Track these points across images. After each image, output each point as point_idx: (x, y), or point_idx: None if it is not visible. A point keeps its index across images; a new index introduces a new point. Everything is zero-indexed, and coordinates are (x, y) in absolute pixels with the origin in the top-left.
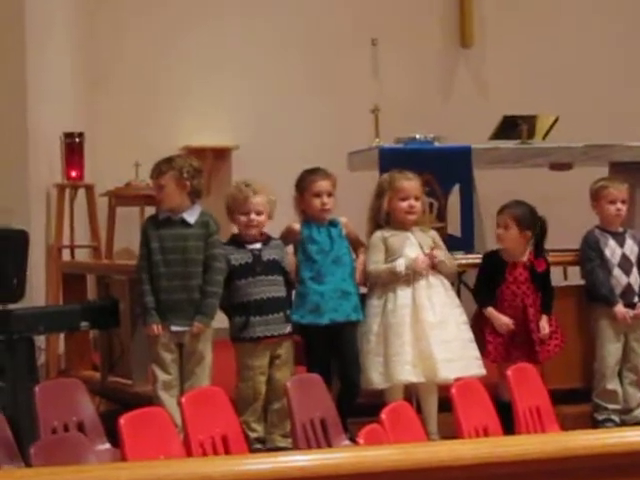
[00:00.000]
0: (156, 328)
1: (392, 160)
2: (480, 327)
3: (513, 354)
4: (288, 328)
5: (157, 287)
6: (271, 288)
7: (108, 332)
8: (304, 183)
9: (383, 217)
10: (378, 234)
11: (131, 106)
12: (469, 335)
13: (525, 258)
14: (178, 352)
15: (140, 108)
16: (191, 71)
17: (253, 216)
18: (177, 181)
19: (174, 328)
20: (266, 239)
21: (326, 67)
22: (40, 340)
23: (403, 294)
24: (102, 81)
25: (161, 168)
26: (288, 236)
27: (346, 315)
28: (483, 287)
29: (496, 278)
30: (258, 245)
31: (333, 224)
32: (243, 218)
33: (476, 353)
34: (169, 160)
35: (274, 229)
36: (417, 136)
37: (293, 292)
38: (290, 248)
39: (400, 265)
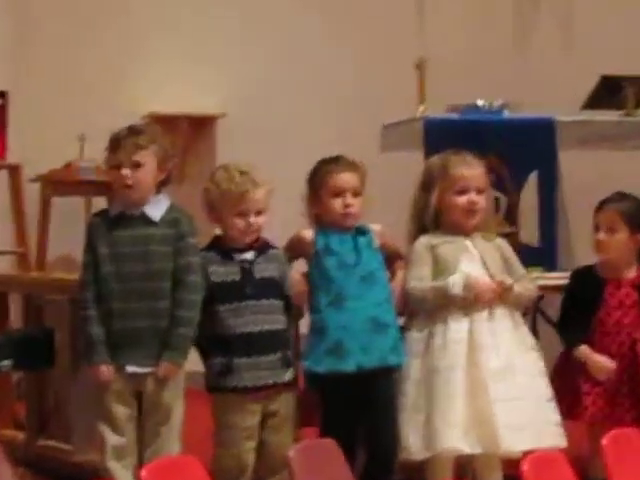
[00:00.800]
0: (105, 370)
1: (443, 136)
2: (568, 375)
3: (617, 412)
4: (288, 375)
5: (107, 311)
6: (265, 318)
7: (38, 375)
8: (320, 177)
9: (431, 217)
10: (423, 241)
11: (74, 60)
12: (546, 390)
13: (633, 273)
14: (136, 405)
15: (86, 62)
16: (160, 12)
17: (253, 219)
18: (160, 161)
19: (131, 369)
20: (261, 247)
21: (350, 5)
22: None
23: (456, 326)
24: (35, 27)
25: (139, 140)
26: (295, 249)
27: (381, 357)
28: (572, 318)
29: (591, 304)
30: (249, 255)
31: (361, 231)
32: (239, 221)
33: (555, 417)
34: (143, 130)
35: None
36: (479, 103)
37: (301, 324)
38: (297, 265)
39: (455, 284)
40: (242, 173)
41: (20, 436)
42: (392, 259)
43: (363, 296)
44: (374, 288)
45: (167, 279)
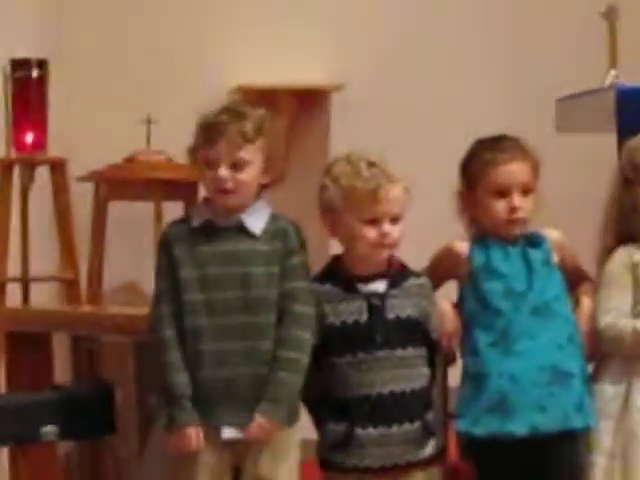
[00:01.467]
0: (194, 434)
1: None
2: None
3: None
4: (429, 448)
5: (194, 354)
6: (400, 374)
7: (94, 446)
8: (476, 167)
9: (635, 225)
10: (622, 256)
11: (137, 20)
12: None
13: None
14: None
15: (152, 22)
16: None
17: (387, 227)
18: (267, 159)
19: (228, 434)
20: (397, 273)
21: None
22: None
23: None
24: None
25: (246, 128)
26: (444, 267)
27: (563, 418)
28: None
29: None
30: (381, 286)
31: (533, 242)
32: (368, 230)
33: None
34: (250, 114)
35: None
36: None
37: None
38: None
39: None
40: (371, 165)
41: None
42: (575, 278)
43: (537, 335)
44: (552, 323)
45: (273, 310)
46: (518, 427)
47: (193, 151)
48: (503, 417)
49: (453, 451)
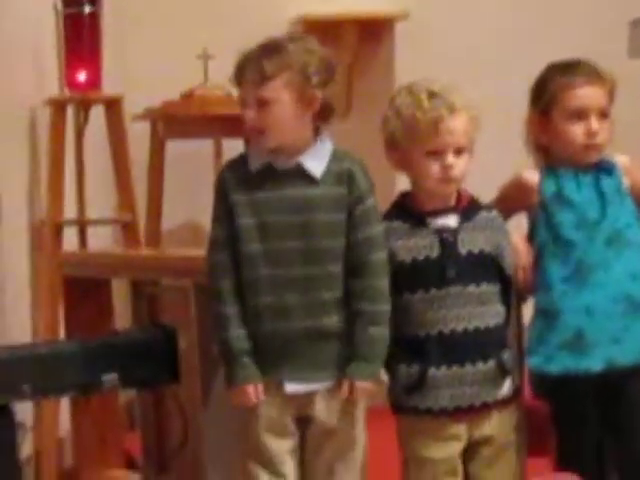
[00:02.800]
0: (253, 391)
1: None
2: None
3: None
4: (505, 388)
5: (254, 307)
6: (475, 311)
7: (157, 395)
8: (551, 91)
9: None
10: None
11: None
12: None
13: None
14: (299, 435)
15: None
16: None
17: (451, 159)
18: (297, 92)
19: (291, 388)
20: (468, 207)
21: None
22: (24, 410)
23: None
24: None
25: (263, 64)
26: (513, 198)
27: (639, 350)
28: None
29: None
30: (452, 221)
31: (604, 168)
32: (431, 164)
33: None
34: (276, 48)
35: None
36: None
37: (524, 314)
38: (515, 231)
39: None
40: (433, 95)
41: (134, 478)
42: None
43: (611, 266)
44: (626, 253)
45: (337, 261)
46: (594, 362)
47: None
48: (578, 353)
49: (527, 390)
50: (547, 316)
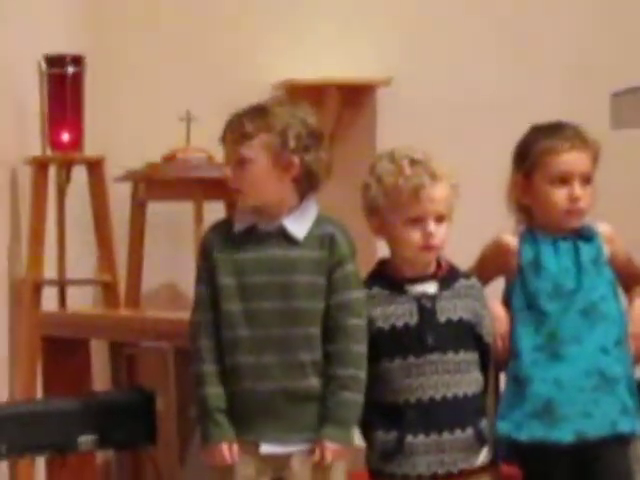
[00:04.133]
0: (228, 451)
1: None
2: None
3: None
4: (482, 456)
5: (232, 367)
6: (453, 379)
7: (134, 456)
8: (534, 153)
9: None
10: None
11: (176, 12)
12: None
13: None
14: None
15: (192, 14)
16: None
17: (432, 227)
18: (274, 154)
19: (267, 449)
20: (447, 274)
21: None
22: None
23: None
24: None
25: (244, 123)
26: (493, 262)
27: (610, 424)
28: None
29: None
30: (431, 288)
31: (584, 236)
32: (412, 231)
33: None
34: (261, 109)
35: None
36: None
37: (502, 382)
38: (494, 298)
39: None
40: (414, 162)
41: None
42: (630, 276)
43: (585, 338)
44: (600, 325)
45: (317, 323)
46: (564, 434)
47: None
48: (548, 423)
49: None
50: (518, 384)
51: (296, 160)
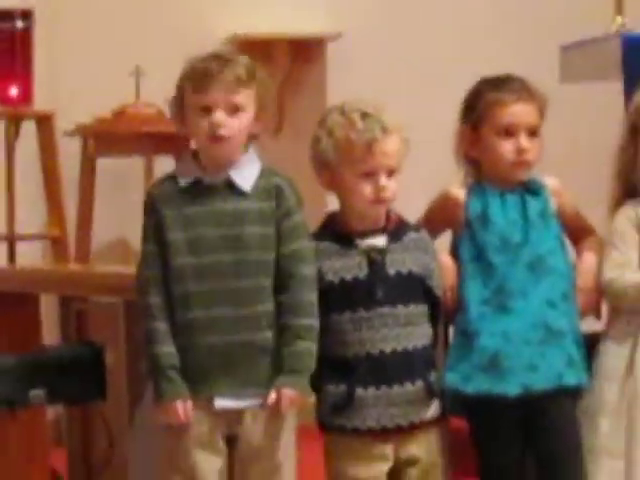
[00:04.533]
0: (182, 408)
1: None
2: None
3: None
4: (433, 409)
5: (184, 322)
6: (403, 332)
7: (83, 411)
8: (482, 106)
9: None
10: (628, 211)
11: None
12: None
13: None
14: (226, 453)
15: None
16: None
17: (384, 180)
18: (260, 107)
19: (221, 404)
20: (397, 228)
21: None
22: None
23: None
24: None
25: (239, 72)
26: (441, 215)
27: (555, 376)
28: None
29: None
30: (380, 241)
31: (532, 189)
32: (364, 185)
33: None
34: (239, 59)
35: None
36: None
37: (451, 334)
38: (444, 250)
39: None
40: (365, 115)
41: None
42: (576, 229)
43: (532, 292)
44: (547, 279)
45: (268, 274)
46: (510, 387)
47: (178, 100)
48: (495, 376)
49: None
50: (465, 336)
51: (267, 113)
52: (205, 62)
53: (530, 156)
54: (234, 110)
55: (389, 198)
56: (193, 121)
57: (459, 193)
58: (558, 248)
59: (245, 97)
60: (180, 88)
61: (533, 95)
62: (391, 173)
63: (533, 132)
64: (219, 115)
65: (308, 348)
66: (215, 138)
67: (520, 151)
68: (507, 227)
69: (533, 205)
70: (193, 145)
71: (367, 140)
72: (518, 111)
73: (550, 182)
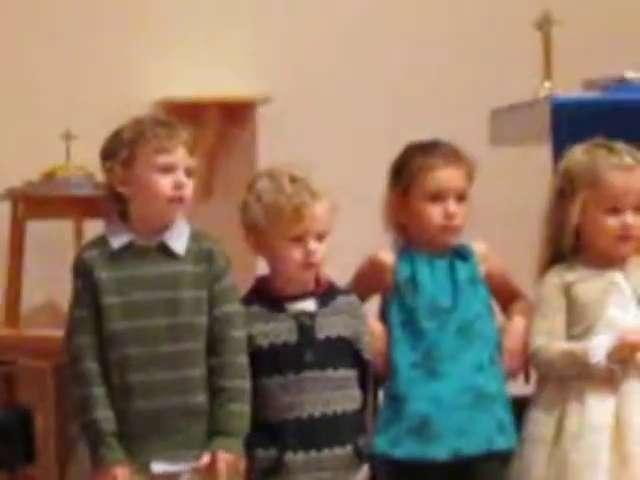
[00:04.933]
0: (119, 474)
1: (580, 123)
2: None
3: None
4: (361, 474)
5: (122, 387)
6: (332, 396)
7: (12, 476)
8: (410, 172)
9: (569, 240)
10: (554, 277)
11: (53, 32)
12: None
13: None
14: None
15: (68, 34)
16: None
17: (313, 244)
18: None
19: (159, 468)
20: (326, 292)
21: None
22: None
23: (598, 406)
24: None
25: (189, 137)
26: (369, 279)
27: (485, 441)
28: None
29: None
30: (310, 305)
31: (460, 254)
32: (294, 249)
33: None
34: (181, 126)
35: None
36: (628, 75)
37: (381, 398)
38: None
39: (598, 348)
40: (294, 180)
41: None
42: (504, 293)
43: (460, 356)
44: (475, 344)
45: (202, 338)
46: (440, 451)
47: (129, 161)
48: (424, 441)
49: None
50: (395, 401)
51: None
52: (163, 125)
53: (458, 221)
54: (189, 173)
55: (318, 262)
56: (151, 181)
57: (387, 257)
58: (486, 313)
59: (194, 162)
60: (129, 150)
61: (461, 159)
62: (320, 237)
63: (461, 196)
64: (181, 176)
65: (241, 410)
66: (177, 199)
67: (449, 216)
68: (436, 292)
69: (462, 270)
70: (137, 206)
71: (296, 205)
72: (446, 176)
73: (478, 247)
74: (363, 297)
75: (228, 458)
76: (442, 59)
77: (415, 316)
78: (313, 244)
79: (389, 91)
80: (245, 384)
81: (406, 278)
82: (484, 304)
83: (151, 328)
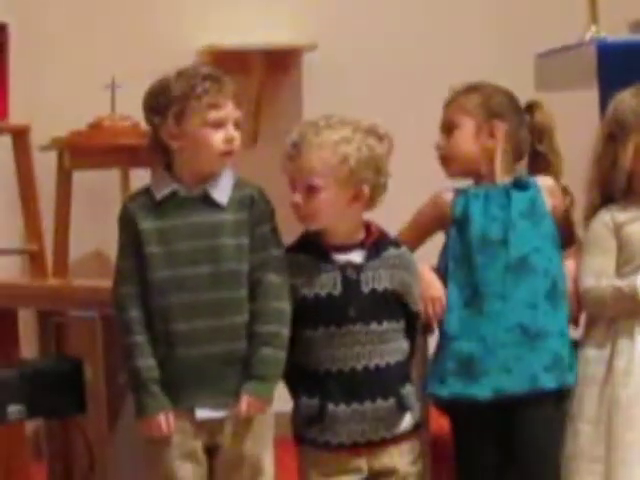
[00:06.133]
0: (164, 421)
1: (627, 66)
2: None
3: None
4: (405, 423)
5: (164, 335)
6: (376, 349)
7: (63, 425)
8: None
9: (620, 183)
10: (605, 217)
11: None
12: None
13: None
14: (208, 462)
15: None
16: None
17: (298, 197)
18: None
19: (202, 415)
20: (376, 243)
21: None
22: None
23: None
24: None
25: (236, 87)
26: (430, 218)
27: (529, 380)
28: None
29: None
30: (357, 257)
31: (520, 184)
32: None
33: None
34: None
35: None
36: None
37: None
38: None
39: None
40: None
41: None
42: (563, 233)
43: (509, 294)
44: (528, 279)
45: (245, 284)
46: (481, 390)
47: (179, 116)
48: (467, 379)
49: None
50: (445, 340)
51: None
52: (213, 79)
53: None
54: (237, 125)
55: (302, 210)
56: (203, 137)
57: (447, 195)
58: (546, 246)
59: (240, 113)
60: (180, 105)
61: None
62: (311, 189)
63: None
64: (232, 130)
65: (275, 355)
66: (228, 152)
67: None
68: (486, 225)
69: (517, 199)
70: (186, 159)
71: (287, 152)
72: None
73: (544, 182)
74: (422, 235)
75: (252, 402)
76: (489, 3)
77: (468, 251)
78: (298, 196)
79: (436, 34)
80: (280, 329)
81: (460, 213)
82: (545, 237)
83: (193, 277)
